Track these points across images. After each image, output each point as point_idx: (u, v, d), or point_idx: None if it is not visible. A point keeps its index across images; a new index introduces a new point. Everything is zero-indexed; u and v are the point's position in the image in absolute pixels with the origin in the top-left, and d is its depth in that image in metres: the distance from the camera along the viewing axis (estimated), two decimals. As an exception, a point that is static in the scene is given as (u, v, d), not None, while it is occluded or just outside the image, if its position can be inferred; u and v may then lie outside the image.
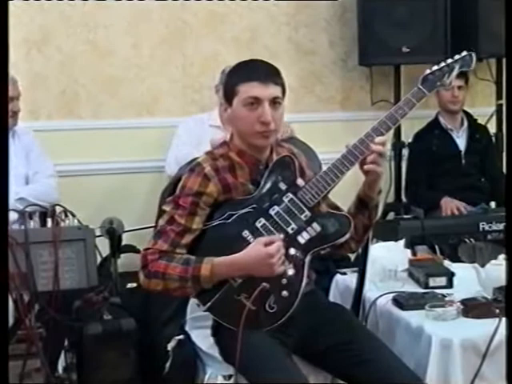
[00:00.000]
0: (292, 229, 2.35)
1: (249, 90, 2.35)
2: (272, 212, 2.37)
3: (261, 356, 2.27)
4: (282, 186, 2.39)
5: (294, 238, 2.35)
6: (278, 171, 2.41)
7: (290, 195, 2.38)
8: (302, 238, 2.35)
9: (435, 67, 2.45)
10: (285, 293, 2.31)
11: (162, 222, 2.40)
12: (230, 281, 2.33)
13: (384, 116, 2.39)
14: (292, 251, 2.34)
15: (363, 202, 2.44)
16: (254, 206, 2.38)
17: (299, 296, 2.31)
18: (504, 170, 4.43)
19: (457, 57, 2.47)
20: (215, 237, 2.38)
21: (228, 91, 2.41)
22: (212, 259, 2.31)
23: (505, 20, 2.23)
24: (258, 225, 2.36)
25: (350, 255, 3.84)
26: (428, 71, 2.44)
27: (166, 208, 2.40)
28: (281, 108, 2.40)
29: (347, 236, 2.37)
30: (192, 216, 2.36)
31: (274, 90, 2.36)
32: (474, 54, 2.49)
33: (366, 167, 2.34)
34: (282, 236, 2.33)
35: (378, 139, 2.35)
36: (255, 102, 2.35)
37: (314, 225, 2.35)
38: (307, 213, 2.36)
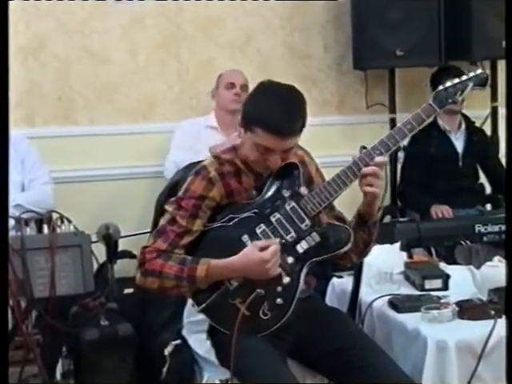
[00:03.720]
0: (291, 237, 2.35)
1: (264, 139, 2.29)
2: (273, 218, 2.36)
3: (255, 361, 2.27)
4: (285, 193, 2.38)
5: (292, 246, 2.34)
6: (282, 178, 2.39)
7: (292, 203, 2.36)
8: (301, 247, 2.34)
9: (448, 83, 2.37)
10: (279, 300, 2.31)
11: (162, 221, 2.40)
12: (226, 284, 2.34)
13: (392, 131, 2.36)
14: (289, 259, 2.33)
15: (363, 219, 2.41)
16: (256, 210, 2.38)
17: (293, 305, 2.30)
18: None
19: (471, 74, 2.40)
20: (215, 238, 2.38)
21: (245, 121, 2.36)
22: (208, 260, 2.31)
23: (505, 22, 2.23)
24: (258, 230, 2.35)
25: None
26: (440, 87, 2.37)
27: (169, 208, 2.40)
28: (293, 149, 2.37)
29: (346, 248, 2.35)
30: (193, 218, 2.37)
31: (290, 143, 2.32)
32: (489, 74, 2.42)
33: (362, 189, 2.31)
34: (278, 240, 2.31)
35: (376, 160, 2.30)
36: (268, 150, 2.32)
37: (314, 235, 2.34)
38: (308, 222, 2.35)
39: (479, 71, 2.41)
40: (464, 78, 2.40)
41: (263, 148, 2.32)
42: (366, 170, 2.29)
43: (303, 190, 2.37)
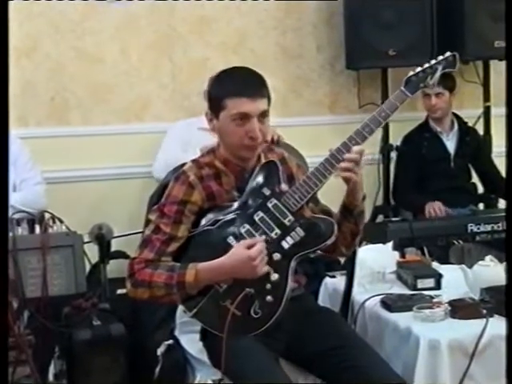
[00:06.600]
0: (276, 234, 2.35)
1: (237, 105, 2.33)
2: (256, 217, 2.37)
3: (247, 361, 2.27)
4: (266, 192, 2.39)
5: (277, 242, 2.34)
6: (262, 176, 2.41)
7: (274, 200, 2.37)
8: (286, 243, 2.34)
9: (418, 69, 2.44)
10: (269, 298, 2.31)
11: (147, 231, 2.41)
12: (216, 286, 2.34)
13: (367, 119, 2.38)
14: (276, 256, 2.33)
15: (348, 210, 2.43)
16: (239, 211, 2.39)
17: (284, 301, 2.30)
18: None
19: (440, 58, 2.46)
20: (201, 243, 2.39)
21: (214, 104, 2.39)
22: (196, 265, 2.31)
23: (505, 22, 2.23)
24: (242, 230, 2.36)
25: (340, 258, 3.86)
26: (411, 73, 2.43)
27: (151, 217, 2.41)
28: (267, 119, 2.40)
29: (331, 240, 2.35)
30: (177, 224, 2.38)
31: (261, 104, 2.35)
32: (457, 55, 2.47)
33: (341, 174, 2.33)
34: (263, 237, 2.32)
35: (355, 149, 2.32)
36: (244, 117, 2.34)
37: (298, 229, 2.34)
38: (291, 217, 2.35)
39: (448, 54, 2.47)
40: (433, 62, 2.45)
41: (240, 117, 2.33)
42: (347, 156, 2.32)
43: (284, 186, 2.38)
